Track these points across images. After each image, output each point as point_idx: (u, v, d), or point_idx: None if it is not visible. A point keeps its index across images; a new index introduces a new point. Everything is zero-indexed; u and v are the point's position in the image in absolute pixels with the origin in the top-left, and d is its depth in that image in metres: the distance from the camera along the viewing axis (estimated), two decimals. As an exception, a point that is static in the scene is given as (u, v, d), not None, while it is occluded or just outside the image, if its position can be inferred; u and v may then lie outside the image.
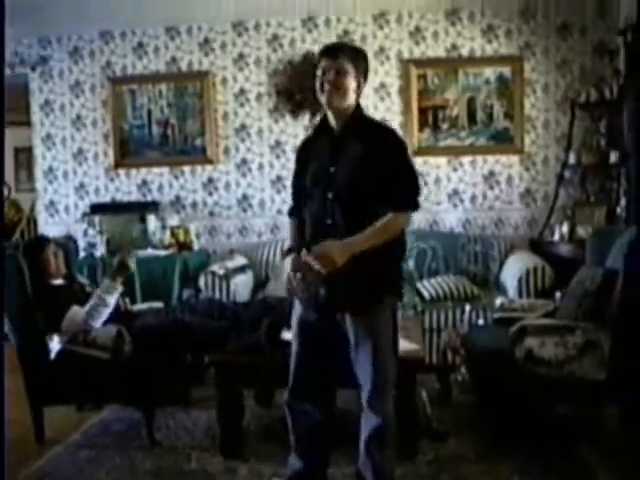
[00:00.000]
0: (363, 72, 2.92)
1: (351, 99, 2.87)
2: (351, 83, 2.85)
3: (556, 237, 5.65)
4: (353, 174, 2.80)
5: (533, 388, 3.56)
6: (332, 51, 2.88)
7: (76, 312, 3.93)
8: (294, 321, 3.02)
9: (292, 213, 3.15)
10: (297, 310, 3.01)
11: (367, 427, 2.91)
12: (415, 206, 2.85)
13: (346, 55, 2.86)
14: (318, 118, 4.89)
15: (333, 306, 2.87)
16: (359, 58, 2.91)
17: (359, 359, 2.88)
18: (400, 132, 5.90)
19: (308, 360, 2.99)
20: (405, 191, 2.82)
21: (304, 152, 3.07)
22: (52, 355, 3.88)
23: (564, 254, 5.39)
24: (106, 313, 3.97)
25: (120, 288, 4.08)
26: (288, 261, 2.97)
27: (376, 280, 2.82)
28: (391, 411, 2.91)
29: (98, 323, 3.94)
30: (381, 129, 2.95)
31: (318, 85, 2.88)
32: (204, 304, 4.58)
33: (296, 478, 3.08)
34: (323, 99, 2.87)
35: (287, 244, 3.16)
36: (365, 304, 2.84)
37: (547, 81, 5.94)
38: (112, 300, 4.00)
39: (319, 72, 2.87)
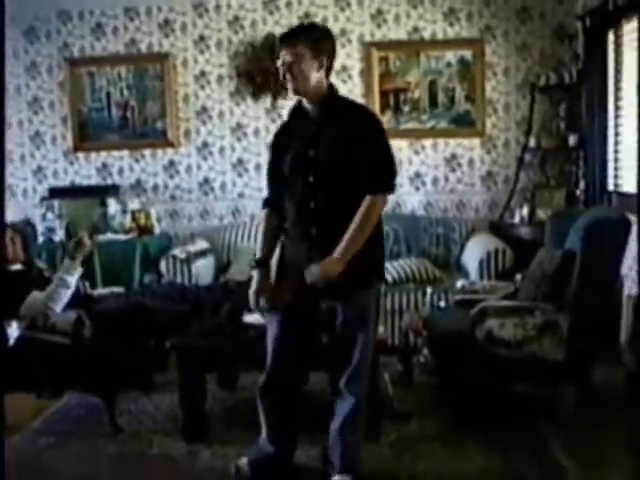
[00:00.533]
0: (325, 50, 2.85)
1: (314, 82, 2.82)
2: (307, 67, 2.79)
3: (516, 219, 5.70)
4: (333, 156, 2.80)
5: (494, 368, 3.61)
6: (287, 38, 2.83)
7: (35, 297, 3.86)
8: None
9: (267, 204, 3.09)
10: None
11: (342, 409, 2.94)
12: (392, 188, 2.87)
13: (301, 39, 2.80)
14: (279, 101, 4.88)
15: (317, 293, 2.85)
16: (317, 38, 2.84)
17: (343, 341, 2.91)
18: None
19: (288, 345, 2.97)
20: (382, 173, 2.85)
21: (280, 140, 3.03)
22: (11, 342, 3.81)
23: (524, 236, 5.46)
24: (67, 295, 3.91)
25: (80, 268, 4.01)
26: (256, 275, 3.02)
27: (362, 265, 2.83)
28: (365, 394, 2.94)
29: (59, 306, 3.87)
30: (359, 109, 2.97)
31: (281, 75, 2.85)
32: (165, 288, 4.56)
33: (266, 461, 3.08)
34: (287, 88, 2.86)
35: (259, 243, 3.10)
36: (353, 290, 2.85)
37: (508, 64, 5.96)
38: (73, 281, 3.93)
39: (279, 61, 2.85)
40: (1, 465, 2.37)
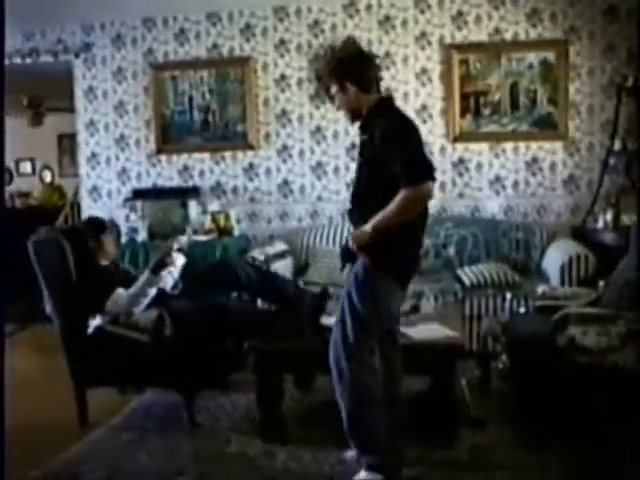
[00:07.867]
0: (346, 75, 3.14)
1: (353, 105, 3.17)
2: (341, 99, 3.19)
3: (600, 225, 5.55)
4: (361, 163, 3.14)
5: (574, 376, 3.52)
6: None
7: (120, 295, 3.96)
8: None
9: None
10: None
11: None
12: (419, 179, 2.89)
13: (328, 77, 3.26)
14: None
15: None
16: (337, 69, 3.19)
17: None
18: (440, 118, 5.86)
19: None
20: (405, 168, 2.91)
21: None
22: (90, 330, 3.92)
23: (608, 242, 5.30)
24: (146, 302, 3.99)
25: (162, 281, 4.10)
26: None
27: (379, 247, 2.95)
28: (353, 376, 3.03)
29: (139, 310, 3.97)
30: (383, 119, 3.07)
31: None
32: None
33: None
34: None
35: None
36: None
37: (592, 65, 5.82)
38: (153, 291, 4.02)
39: None
40: (1, 459, 2.45)
